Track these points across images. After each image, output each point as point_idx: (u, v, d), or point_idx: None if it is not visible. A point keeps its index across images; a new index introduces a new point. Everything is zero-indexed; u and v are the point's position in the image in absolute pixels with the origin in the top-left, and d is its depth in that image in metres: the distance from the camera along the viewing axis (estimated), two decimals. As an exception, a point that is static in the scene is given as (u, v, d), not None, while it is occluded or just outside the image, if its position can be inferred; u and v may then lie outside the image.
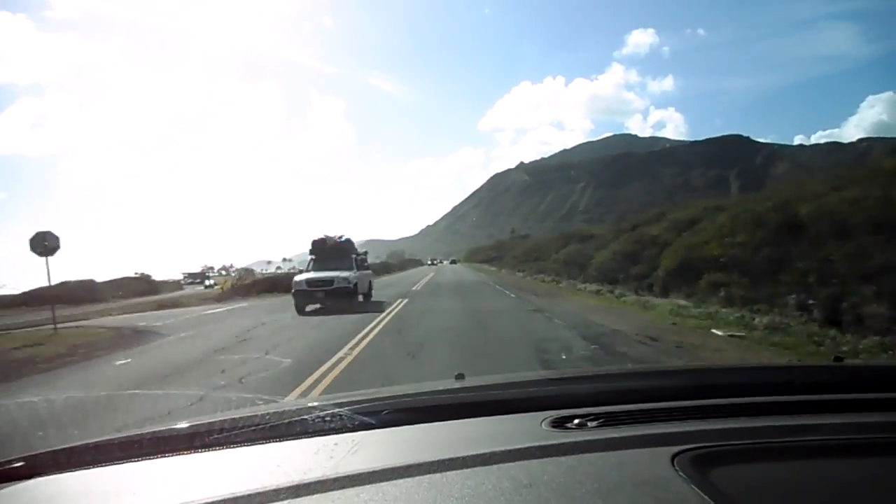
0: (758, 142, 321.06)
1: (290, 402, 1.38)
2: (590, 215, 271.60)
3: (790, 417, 1.08)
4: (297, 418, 1.17)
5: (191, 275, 78.25)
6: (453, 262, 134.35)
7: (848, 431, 1.02)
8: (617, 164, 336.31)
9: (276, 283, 31.21)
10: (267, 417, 1.18)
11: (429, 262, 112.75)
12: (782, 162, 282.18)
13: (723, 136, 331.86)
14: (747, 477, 0.85)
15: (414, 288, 27.88)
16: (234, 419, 1.18)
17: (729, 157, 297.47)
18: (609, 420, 1.09)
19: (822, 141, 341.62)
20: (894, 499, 0.83)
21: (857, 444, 0.99)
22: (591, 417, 1.10)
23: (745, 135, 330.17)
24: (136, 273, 59.62)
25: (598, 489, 0.80)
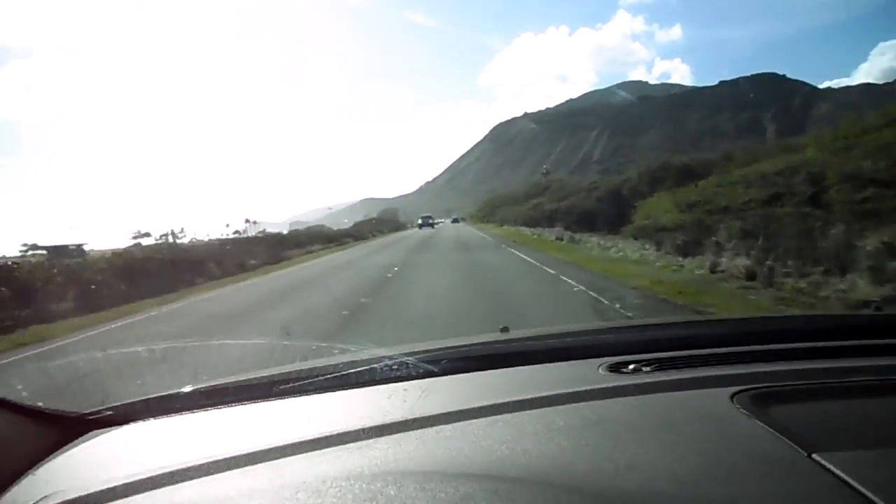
0: (795, 80, 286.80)
1: (361, 351, 1.42)
2: (605, 165, 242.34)
3: (838, 360, 1.11)
4: (367, 367, 1.23)
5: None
6: (455, 220, 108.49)
7: (892, 372, 1.06)
8: (633, 110, 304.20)
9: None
10: (340, 367, 1.24)
11: (418, 224, 67.61)
12: (825, 102, 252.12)
13: (754, 76, 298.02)
14: (805, 414, 0.89)
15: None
16: (310, 368, 1.25)
17: (761, 98, 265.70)
18: (664, 365, 1.12)
19: (854, 83, 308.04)
20: None
21: None
22: (646, 363, 1.14)
23: (780, 73, 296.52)
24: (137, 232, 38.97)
25: (664, 424, 0.84)
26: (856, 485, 0.65)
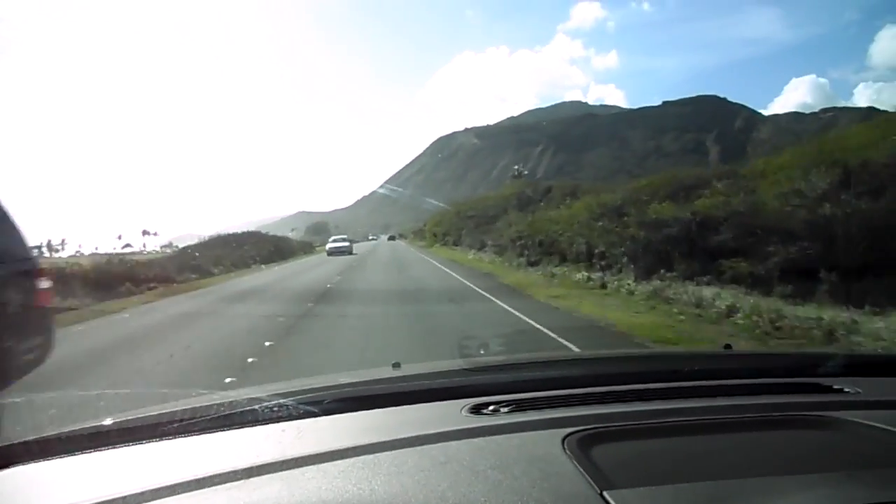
0: (736, 104, 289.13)
1: (242, 392, 1.51)
2: (551, 182, 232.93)
3: (672, 401, 1.25)
4: (247, 408, 1.27)
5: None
6: (392, 238, 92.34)
7: (721, 412, 1.19)
8: (579, 126, 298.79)
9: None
10: (222, 408, 1.27)
11: (330, 245, 41.41)
12: (765, 126, 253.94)
13: (697, 97, 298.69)
14: (623, 453, 1.00)
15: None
16: (193, 409, 1.29)
17: (704, 120, 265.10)
18: (519, 406, 1.24)
19: (780, 112, 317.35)
20: (754, 467, 0.94)
21: (726, 422, 1.15)
22: (504, 404, 1.24)
23: (721, 96, 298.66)
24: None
25: (498, 464, 0.94)
26: None
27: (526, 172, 61.47)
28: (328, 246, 42.01)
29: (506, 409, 1.22)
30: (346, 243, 41.68)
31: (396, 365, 1.68)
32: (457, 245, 39.05)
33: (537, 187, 38.43)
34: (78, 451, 1.13)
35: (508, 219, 30.27)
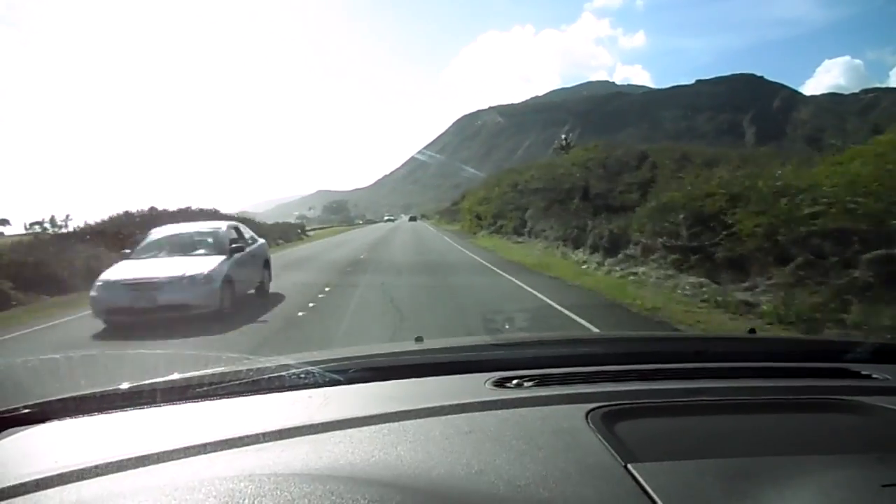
0: (774, 83, 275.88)
1: (270, 359, 1.51)
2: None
3: (696, 381, 1.24)
4: (275, 374, 1.30)
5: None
6: (413, 219, 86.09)
7: (745, 393, 1.19)
8: (607, 105, 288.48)
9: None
10: (250, 373, 1.30)
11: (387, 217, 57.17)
12: (806, 107, 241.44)
13: (732, 76, 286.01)
14: (647, 429, 1.01)
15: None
16: (222, 373, 1.31)
17: (740, 99, 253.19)
18: (542, 381, 1.24)
19: (816, 93, 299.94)
20: (778, 447, 0.95)
21: (750, 403, 1.15)
22: (528, 378, 1.25)
23: (757, 74, 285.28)
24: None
25: (523, 435, 0.95)
26: (650, 491, 0.76)
27: (573, 144, 53.80)
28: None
29: (530, 384, 1.22)
30: (393, 217, 70.51)
31: (419, 339, 1.66)
32: (520, 234, 25.64)
33: (629, 152, 30.05)
34: (113, 409, 1.16)
35: (657, 194, 16.34)
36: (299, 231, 45.05)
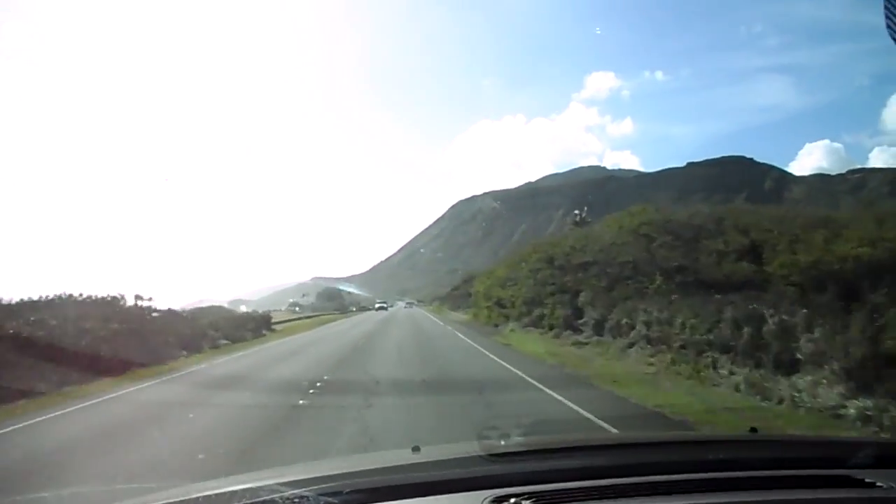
0: (764, 164, 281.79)
1: (258, 476, 1.53)
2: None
3: (698, 496, 1.25)
4: (267, 498, 1.29)
5: None
6: (410, 305, 79.83)
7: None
8: (601, 189, 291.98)
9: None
10: (244, 495, 1.30)
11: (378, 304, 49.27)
12: (798, 187, 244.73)
13: (723, 158, 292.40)
14: None
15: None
16: (208, 496, 1.32)
17: (732, 181, 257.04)
18: (541, 499, 1.24)
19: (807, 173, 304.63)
20: None
21: None
22: (526, 496, 1.24)
23: (747, 156, 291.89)
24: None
25: None
26: None
27: (589, 219, 48.83)
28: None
29: (528, 502, 1.22)
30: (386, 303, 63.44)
31: (416, 449, 1.64)
32: (575, 330, 18.36)
33: (696, 214, 25.32)
34: None
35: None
36: (254, 327, 29.44)
